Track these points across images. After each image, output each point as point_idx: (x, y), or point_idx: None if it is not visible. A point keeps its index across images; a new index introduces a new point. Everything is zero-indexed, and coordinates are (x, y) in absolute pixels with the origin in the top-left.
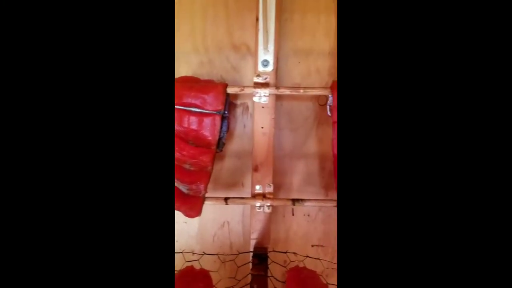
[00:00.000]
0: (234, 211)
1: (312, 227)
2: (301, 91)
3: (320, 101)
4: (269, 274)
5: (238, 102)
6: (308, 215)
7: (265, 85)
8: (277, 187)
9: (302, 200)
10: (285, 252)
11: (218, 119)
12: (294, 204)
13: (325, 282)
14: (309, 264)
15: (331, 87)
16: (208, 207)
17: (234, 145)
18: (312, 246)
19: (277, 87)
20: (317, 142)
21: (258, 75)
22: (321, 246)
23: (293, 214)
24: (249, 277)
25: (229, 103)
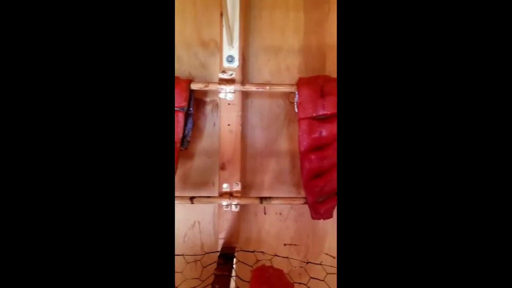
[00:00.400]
0: (204, 211)
1: (284, 226)
2: (267, 87)
3: (291, 98)
4: (233, 274)
5: (208, 99)
6: (280, 214)
7: (230, 81)
8: (249, 186)
9: (269, 198)
10: (253, 252)
11: (181, 116)
12: (261, 202)
13: (292, 281)
14: (281, 263)
15: (297, 84)
16: (178, 207)
17: (204, 143)
18: (285, 245)
19: (242, 84)
20: (288, 140)
21: (223, 71)
22: (294, 245)
23: (265, 213)
24: (213, 277)
25: (199, 101)
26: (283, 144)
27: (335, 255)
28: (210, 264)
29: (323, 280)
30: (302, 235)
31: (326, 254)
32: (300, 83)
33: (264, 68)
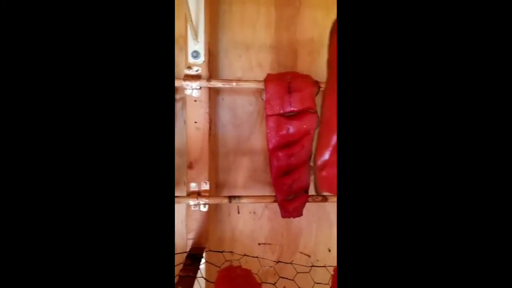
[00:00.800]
0: (177, 211)
1: (258, 225)
2: (234, 84)
3: (263, 95)
4: (199, 275)
5: (178, 96)
6: (254, 213)
7: (196, 77)
8: (221, 185)
9: (239, 197)
10: (222, 252)
11: None
12: (230, 201)
13: (260, 281)
14: (257, 263)
15: (265, 81)
16: None
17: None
18: (259, 244)
19: (208, 80)
20: (261, 138)
21: (189, 67)
22: (268, 244)
23: (238, 212)
24: (177, 278)
25: None
26: (256, 142)
27: (310, 253)
28: (177, 265)
29: (292, 280)
30: (276, 234)
31: (301, 252)
32: (268, 80)
33: (235, 64)
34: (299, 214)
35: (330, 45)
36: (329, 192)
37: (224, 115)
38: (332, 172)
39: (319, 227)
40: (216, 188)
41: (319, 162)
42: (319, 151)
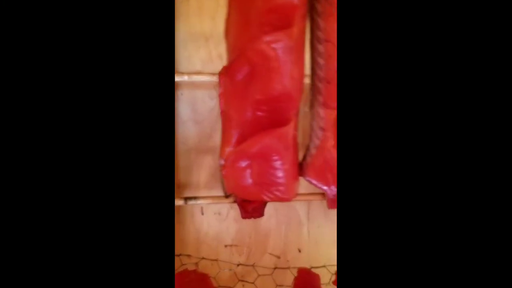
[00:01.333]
0: None
1: (224, 226)
2: (186, 77)
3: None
4: None
5: None
6: (219, 214)
7: None
8: (183, 185)
9: (195, 198)
10: (178, 255)
11: None
12: (186, 203)
13: (217, 285)
14: (223, 266)
15: (220, 74)
16: None
17: None
18: (226, 246)
19: None
20: None
21: None
22: (235, 245)
23: (202, 214)
24: None
25: None
26: (219, 139)
27: (279, 254)
28: None
29: (253, 283)
30: (243, 235)
31: (270, 254)
32: (222, 73)
33: (194, 57)
34: (260, 214)
35: (226, 34)
36: (232, 193)
37: (184, 111)
38: (230, 172)
39: (289, 227)
40: (178, 188)
41: (222, 161)
42: (222, 149)
